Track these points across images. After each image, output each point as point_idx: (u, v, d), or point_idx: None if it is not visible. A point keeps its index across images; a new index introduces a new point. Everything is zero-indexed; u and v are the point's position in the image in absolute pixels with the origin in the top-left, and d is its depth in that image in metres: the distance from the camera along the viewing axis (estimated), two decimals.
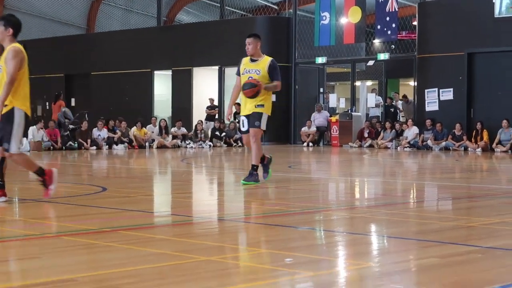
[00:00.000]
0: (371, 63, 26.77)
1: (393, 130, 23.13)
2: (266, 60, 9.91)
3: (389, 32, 23.24)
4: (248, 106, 9.92)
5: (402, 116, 26.31)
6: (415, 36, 23.84)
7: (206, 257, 4.79)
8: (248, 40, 9.95)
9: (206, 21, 32.73)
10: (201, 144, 23.80)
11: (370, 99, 26.00)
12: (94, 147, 21.93)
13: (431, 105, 22.68)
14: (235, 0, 32.50)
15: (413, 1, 27.66)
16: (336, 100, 27.31)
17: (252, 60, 9.95)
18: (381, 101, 26.36)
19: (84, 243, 5.32)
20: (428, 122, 22.26)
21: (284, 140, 26.01)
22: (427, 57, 22.90)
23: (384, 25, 23.27)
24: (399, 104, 26.54)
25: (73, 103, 29.65)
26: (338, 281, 4.21)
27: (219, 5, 31.64)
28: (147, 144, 23.19)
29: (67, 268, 4.45)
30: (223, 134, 24.39)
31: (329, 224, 6.73)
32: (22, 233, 5.94)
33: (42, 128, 21.21)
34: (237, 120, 22.83)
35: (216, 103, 26.92)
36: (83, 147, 21.79)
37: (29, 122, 7.97)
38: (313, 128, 24.84)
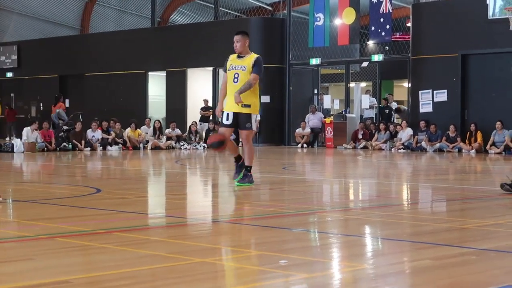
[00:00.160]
0: (365, 64, 26.77)
1: (387, 132, 23.14)
2: (252, 57, 9.88)
3: (383, 33, 23.26)
4: (234, 104, 9.83)
5: (397, 118, 26.33)
6: (409, 38, 23.86)
7: (200, 258, 4.78)
8: (236, 38, 9.92)
9: (200, 22, 32.69)
10: (195, 146, 23.78)
11: (364, 101, 26.00)
12: (88, 148, 21.90)
13: (425, 107, 22.70)
14: (229, 1, 32.50)
15: (407, 3, 27.71)
16: (330, 101, 27.33)
17: (239, 57, 9.95)
18: (375, 102, 26.37)
19: (78, 244, 5.31)
20: (422, 123, 22.28)
21: (278, 141, 26.00)
22: (421, 59, 22.92)
23: (378, 27, 23.29)
24: (394, 105, 26.54)
25: (67, 104, 29.51)
26: (332, 283, 4.21)
27: (213, 6, 31.65)
28: (141, 145, 23.15)
29: (61, 270, 4.44)
30: None
31: (323, 226, 6.73)
32: (16, 235, 5.92)
33: (36, 130, 21.13)
34: None
35: (210, 104, 26.89)
36: (77, 148, 21.75)
37: None
38: (307, 130, 24.84)
